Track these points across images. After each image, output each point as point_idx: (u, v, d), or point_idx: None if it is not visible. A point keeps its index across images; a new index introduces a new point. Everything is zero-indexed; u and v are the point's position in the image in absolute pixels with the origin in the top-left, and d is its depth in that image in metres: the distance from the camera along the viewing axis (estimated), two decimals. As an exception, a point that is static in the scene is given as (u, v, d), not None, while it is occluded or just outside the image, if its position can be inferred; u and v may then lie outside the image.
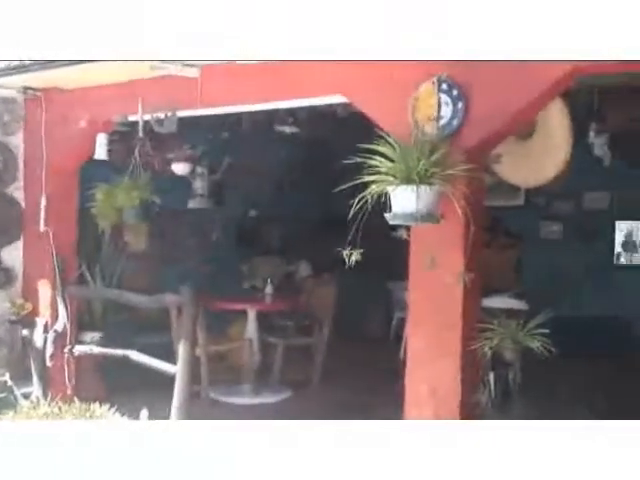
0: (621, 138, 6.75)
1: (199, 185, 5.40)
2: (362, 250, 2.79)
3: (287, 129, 6.17)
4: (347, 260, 2.79)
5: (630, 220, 7.97)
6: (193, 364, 3.75)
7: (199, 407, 5.16)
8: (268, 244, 8.23)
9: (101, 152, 4.42)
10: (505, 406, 3.56)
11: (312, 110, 5.95)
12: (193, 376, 4.04)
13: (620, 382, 6.86)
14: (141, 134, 4.13)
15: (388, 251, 5.72)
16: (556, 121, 3.11)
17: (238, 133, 6.94)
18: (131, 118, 4.24)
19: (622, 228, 8.05)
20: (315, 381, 6.27)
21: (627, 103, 6.16)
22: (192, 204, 5.60)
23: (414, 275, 3.09)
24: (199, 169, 5.32)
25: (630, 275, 8.00)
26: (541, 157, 3.20)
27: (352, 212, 2.71)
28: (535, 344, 2.88)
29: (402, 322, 6.98)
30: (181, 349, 3.60)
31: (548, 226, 8.54)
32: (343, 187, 2.90)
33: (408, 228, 2.91)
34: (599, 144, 6.28)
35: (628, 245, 8.03)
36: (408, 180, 2.65)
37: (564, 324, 7.82)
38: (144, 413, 3.25)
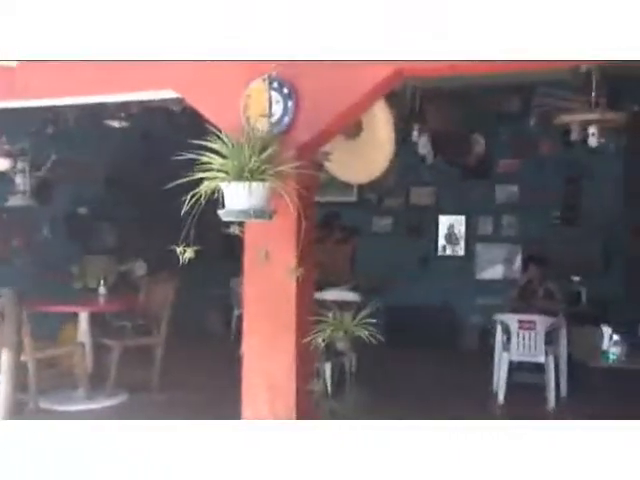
0: (440, 138, 7.24)
1: (20, 181, 5.07)
2: (198, 247, 2.77)
3: (117, 123, 5.96)
4: (180, 257, 2.76)
5: (451, 214, 8.57)
6: (19, 372, 3.52)
7: (27, 417, 4.87)
8: (100, 243, 7.90)
9: None
10: (341, 394, 3.70)
11: (144, 105, 5.80)
12: (20, 385, 3.79)
13: (446, 366, 7.37)
14: (-49, 126, 3.80)
15: (227, 247, 5.72)
16: (381, 121, 3.26)
17: (65, 127, 6.60)
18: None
19: (445, 222, 8.63)
20: (154, 382, 6.13)
21: (446, 105, 6.64)
22: (13, 201, 5.25)
23: (248, 271, 3.12)
24: (20, 164, 4.99)
25: (453, 265, 8.60)
26: (368, 155, 3.34)
27: (185, 209, 2.68)
28: (364, 333, 3.02)
29: (241, 318, 7.01)
30: (4, 357, 3.37)
31: (379, 221, 8.95)
32: (175, 183, 2.86)
33: (242, 224, 2.93)
34: (422, 143, 6.71)
35: (450, 238, 8.63)
36: (240, 177, 2.66)
37: (395, 313, 8.30)
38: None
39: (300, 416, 3.06)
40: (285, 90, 2.93)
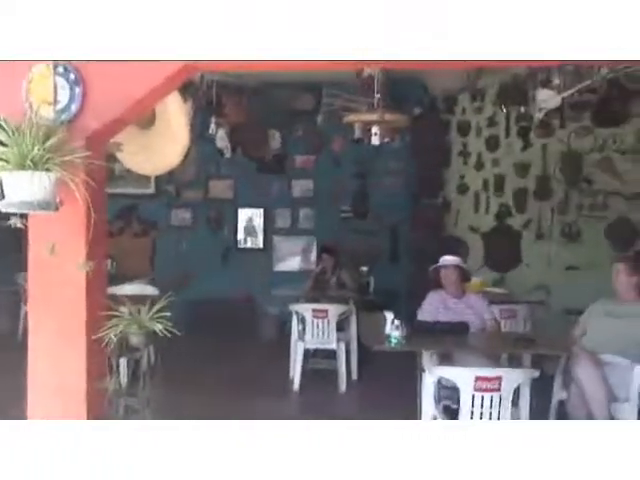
0: (238, 132, 7.35)
1: None
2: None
3: None
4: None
5: (250, 208, 8.72)
6: None
7: None
8: None
9: None
10: (137, 391, 3.62)
11: None
12: None
13: (247, 356, 7.50)
14: None
15: (12, 240, 5.33)
16: (174, 112, 3.25)
17: None
18: None
19: (244, 215, 8.75)
20: None
21: (243, 100, 6.74)
22: None
23: (33, 266, 2.95)
24: None
25: (252, 258, 8.75)
26: (161, 146, 3.31)
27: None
28: (158, 327, 2.99)
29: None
30: None
31: (179, 213, 8.85)
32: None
33: (25, 216, 2.76)
34: (220, 136, 6.75)
35: (249, 230, 8.78)
36: (22, 166, 2.51)
37: (197, 306, 8.28)
38: None
39: (92, 415, 2.97)
40: (72, 76, 2.80)
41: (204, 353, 7.50)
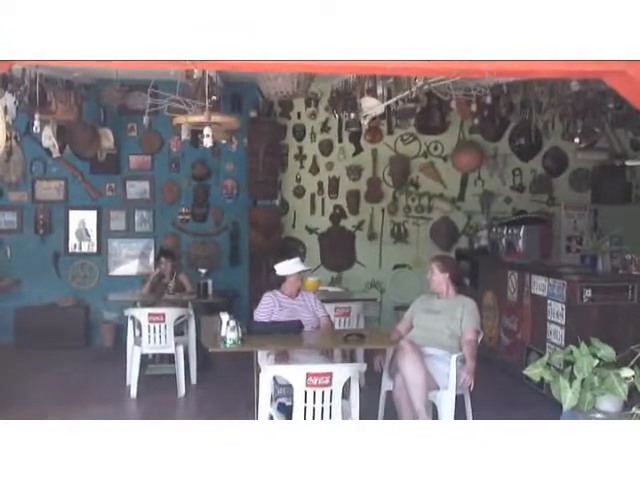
0: (67, 130, 7.01)
1: None
2: None
3: None
4: None
5: (82, 210, 8.33)
6: None
7: None
8: None
9: None
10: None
11: None
12: None
13: (82, 364, 7.21)
14: None
15: None
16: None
17: None
18: None
19: (75, 217, 8.35)
20: None
21: (73, 96, 6.47)
22: None
23: None
24: None
25: (85, 262, 8.37)
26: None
27: None
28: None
29: None
30: None
31: (3, 216, 8.28)
32: None
33: None
34: (46, 135, 6.40)
35: (82, 234, 8.39)
36: None
37: (27, 313, 7.83)
38: None
39: None
40: None
41: (34, 362, 7.13)
